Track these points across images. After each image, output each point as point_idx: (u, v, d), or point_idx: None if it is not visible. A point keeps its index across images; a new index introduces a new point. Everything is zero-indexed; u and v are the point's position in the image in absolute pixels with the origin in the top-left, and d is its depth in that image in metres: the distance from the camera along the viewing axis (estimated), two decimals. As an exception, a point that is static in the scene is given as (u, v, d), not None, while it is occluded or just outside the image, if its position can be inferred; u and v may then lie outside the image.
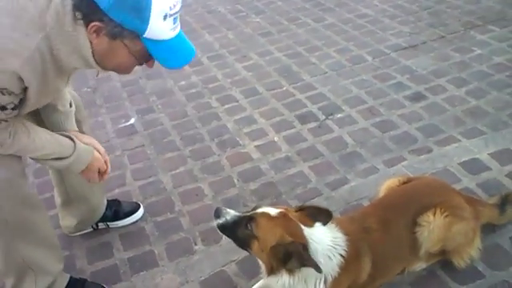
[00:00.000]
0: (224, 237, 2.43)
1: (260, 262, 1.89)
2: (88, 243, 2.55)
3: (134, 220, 2.63)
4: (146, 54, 1.59)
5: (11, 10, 1.52)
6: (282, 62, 4.06)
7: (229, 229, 1.84)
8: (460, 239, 2.07)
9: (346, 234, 1.90)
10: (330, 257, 1.82)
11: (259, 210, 1.84)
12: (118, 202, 2.64)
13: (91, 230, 2.58)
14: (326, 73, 3.85)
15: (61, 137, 1.87)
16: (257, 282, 2.15)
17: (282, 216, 1.80)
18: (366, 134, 3.14)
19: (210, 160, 3.03)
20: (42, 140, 1.79)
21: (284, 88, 3.72)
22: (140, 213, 2.65)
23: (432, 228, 2.01)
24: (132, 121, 3.48)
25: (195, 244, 2.49)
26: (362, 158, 2.94)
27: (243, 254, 2.31)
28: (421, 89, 3.52)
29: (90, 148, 1.98)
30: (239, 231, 1.82)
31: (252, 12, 5.05)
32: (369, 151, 2.98)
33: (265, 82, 3.80)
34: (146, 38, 1.51)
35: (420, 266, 2.18)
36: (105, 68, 1.68)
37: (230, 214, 1.84)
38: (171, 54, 1.60)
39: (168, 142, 3.24)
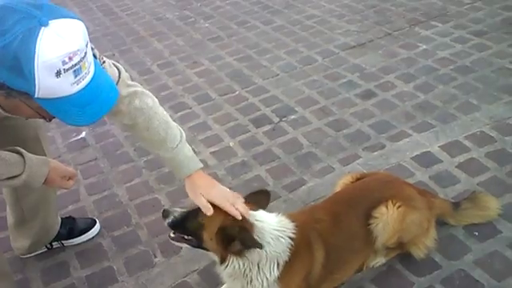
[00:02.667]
0: (184, 247, 2.44)
1: (213, 255, 1.89)
2: (42, 264, 2.47)
3: (90, 237, 2.56)
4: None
5: None
6: (234, 67, 4.06)
7: (179, 225, 1.86)
8: (415, 229, 2.11)
9: (294, 222, 1.92)
10: (278, 238, 1.85)
11: None
12: (73, 218, 2.56)
13: (45, 250, 2.50)
14: (278, 75, 3.87)
15: (8, 154, 1.72)
16: (219, 290, 2.13)
17: None
18: (320, 133, 3.17)
19: (166, 170, 2.97)
20: None
21: (237, 92, 3.71)
22: (96, 229, 2.59)
23: (386, 220, 2.04)
24: (83, 134, 3.39)
25: (155, 256, 2.44)
26: (317, 158, 2.96)
27: (204, 263, 2.31)
28: (371, 86, 3.59)
29: (43, 159, 1.85)
30: (189, 224, 1.85)
31: (200, 17, 5.02)
32: (324, 151, 3.01)
33: (217, 88, 3.79)
34: (39, 98, 1.26)
35: (379, 261, 2.22)
36: (20, 116, 1.51)
37: (177, 211, 1.88)
38: (77, 110, 1.33)
39: (121, 153, 3.17)
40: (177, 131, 1.94)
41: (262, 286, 1.86)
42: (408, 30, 4.31)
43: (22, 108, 1.38)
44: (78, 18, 1.30)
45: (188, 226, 1.85)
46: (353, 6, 4.88)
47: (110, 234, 2.59)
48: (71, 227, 2.52)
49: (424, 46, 4.01)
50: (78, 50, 1.25)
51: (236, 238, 1.75)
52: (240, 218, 1.78)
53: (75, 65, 1.25)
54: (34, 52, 1.19)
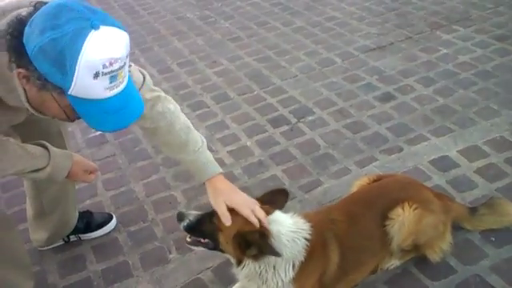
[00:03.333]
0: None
1: (229, 257, 1.91)
2: (59, 257, 2.50)
3: (107, 231, 2.59)
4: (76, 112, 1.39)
5: None
6: (252, 67, 4.07)
7: (195, 228, 1.87)
8: (430, 232, 2.10)
9: (310, 222, 1.93)
10: (294, 240, 1.85)
11: None
12: (90, 213, 2.60)
13: (62, 243, 2.53)
14: (296, 76, 3.87)
15: (33, 148, 1.78)
16: (233, 288, 2.14)
17: None
18: (338, 135, 3.16)
19: (183, 167, 2.99)
20: (12, 157, 1.70)
21: (255, 92, 3.72)
22: (112, 224, 2.62)
23: (402, 221, 2.04)
24: (102, 130, 3.43)
25: (170, 252, 2.46)
26: (334, 159, 2.96)
27: (218, 260, 2.31)
28: (390, 89, 3.57)
29: (67, 152, 1.91)
30: (204, 227, 1.86)
31: (221, 17, 5.05)
32: (341, 152, 3.00)
33: (236, 87, 3.80)
34: (71, 96, 1.31)
35: (394, 263, 2.21)
36: (44, 114, 1.53)
37: (192, 214, 1.89)
38: (103, 116, 1.37)
39: (139, 150, 3.21)
40: (198, 136, 1.99)
41: (277, 286, 1.87)
42: (429, 33, 4.28)
43: (49, 104, 1.41)
44: (125, 30, 1.35)
45: (204, 229, 1.87)
46: (373, 8, 4.86)
47: (126, 230, 2.62)
48: (88, 221, 2.55)
49: (445, 50, 3.97)
50: (119, 59, 1.29)
51: (253, 243, 1.76)
52: (258, 225, 1.78)
53: (113, 71, 1.29)
54: (80, 50, 1.23)
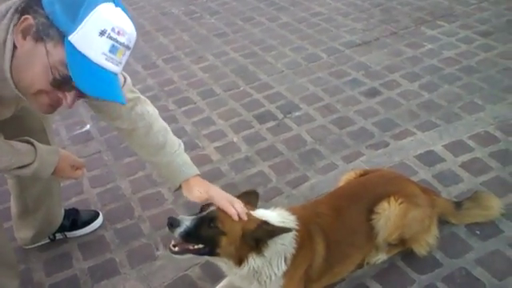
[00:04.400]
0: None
1: (221, 261, 1.86)
2: (45, 255, 2.48)
3: (93, 229, 2.58)
4: (64, 75, 1.35)
5: None
6: (239, 63, 4.06)
7: (192, 234, 1.73)
8: (416, 226, 2.12)
9: (295, 215, 1.94)
10: None
11: (212, 208, 1.81)
12: (76, 210, 2.57)
13: (48, 241, 2.51)
14: (283, 72, 3.87)
15: (19, 144, 1.75)
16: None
17: None
18: (324, 130, 3.17)
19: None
20: None
21: (241, 88, 3.71)
22: (99, 221, 2.60)
23: (388, 215, 2.05)
24: (87, 127, 3.40)
25: (157, 249, 2.45)
26: (321, 154, 2.96)
27: (206, 256, 2.30)
28: (376, 84, 3.59)
29: (53, 148, 1.89)
30: (204, 233, 1.75)
31: (206, 13, 5.02)
32: (327, 148, 3.01)
33: (222, 83, 3.79)
34: (69, 42, 1.29)
35: (381, 258, 2.22)
36: (21, 89, 1.43)
37: (187, 219, 1.75)
38: (90, 77, 1.34)
39: (125, 147, 3.17)
40: (175, 139, 1.97)
41: (270, 280, 1.87)
42: (414, 29, 4.30)
43: (36, 61, 1.35)
44: (136, 31, 1.42)
45: (203, 234, 1.75)
46: (358, 4, 4.88)
47: (113, 227, 2.60)
48: (74, 219, 2.53)
49: (429, 46, 4.00)
50: (128, 36, 1.35)
51: (263, 237, 1.77)
52: (236, 218, 1.76)
53: (118, 42, 1.33)
54: (97, 5, 1.29)
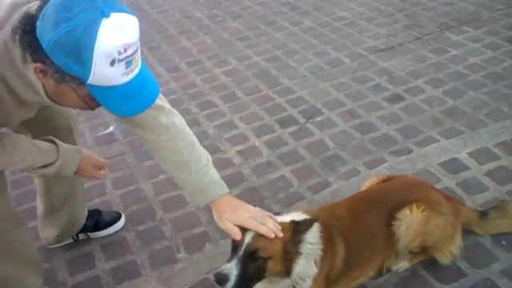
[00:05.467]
0: (207, 243, 2.46)
1: (273, 277, 1.79)
2: (69, 255, 2.51)
3: (115, 230, 2.60)
4: (97, 102, 1.42)
5: None
6: (261, 66, 4.06)
7: (244, 278, 1.65)
8: (439, 234, 2.09)
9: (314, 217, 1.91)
10: (309, 236, 1.83)
11: (247, 238, 1.72)
12: (99, 211, 2.60)
13: (71, 241, 2.54)
14: (305, 76, 3.86)
15: (42, 143, 1.79)
16: None
17: None
18: (346, 136, 3.15)
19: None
20: (22, 152, 1.71)
21: (263, 92, 3.71)
22: (121, 222, 2.62)
23: (409, 222, 2.03)
24: (111, 129, 3.44)
25: (178, 252, 2.46)
26: (342, 160, 2.95)
27: (227, 260, 2.31)
28: (399, 90, 3.56)
29: (75, 147, 1.91)
30: (251, 270, 1.68)
31: (229, 17, 5.04)
32: (349, 153, 2.99)
33: (244, 87, 3.80)
34: (90, 85, 1.33)
35: (403, 266, 2.20)
36: (63, 105, 1.56)
37: (231, 267, 1.65)
38: (123, 101, 1.40)
39: (148, 149, 3.20)
40: (203, 153, 1.87)
41: (306, 283, 1.85)
42: (438, 34, 4.26)
43: (68, 95, 1.44)
44: (134, 14, 1.37)
45: (251, 271, 1.68)
46: (383, 9, 4.85)
47: (135, 229, 2.62)
48: (97, 220, 2.55)
49: (454, 52, 3.95)
50: (133, 43, 1.32)
51: (300, 238, 1.76)
52: (273, 235, 1.70)
53: (128, 56, 1.32)
54: (95, 40, 1.26)
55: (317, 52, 4.19)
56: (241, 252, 1.69)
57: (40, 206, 2.38)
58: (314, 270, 1.85)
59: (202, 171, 1.83)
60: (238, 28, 4.79)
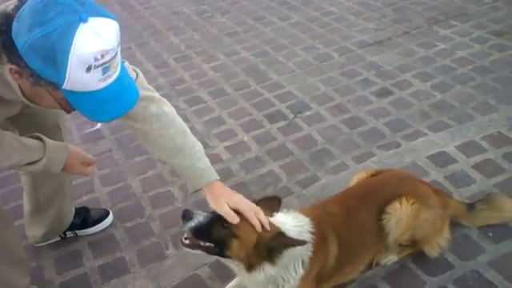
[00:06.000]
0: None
1: (232, 263, 1.84)
2: (56, 253, 2.49)
3: (103, 227, 2.58)
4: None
5: None
6: (249, 62, 4.05)
7: (203, 231, 1.71)
8: (428, 227, 2.10)
9: (308, 216, 1.92)
10: (301, 234, 1.83)
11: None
12: (87, 209, 2.58)
13: (59, 239, 2.52)
14: (294, 71, 3.86)
15: (29, 140, 1.77)
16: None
17: None
18: (335, 130, 3.15)
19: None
20: (7, 150, 1.68)
21: (252, 87, 3.70)
22: (109, 220, 2.61)
23: (399, 216, 2.03)
24: (98, 126, 3.41)
25: (167, 248, 2.45)
26: (331, 154, 2.95)
27: (216, 256, 2.30)
28: (387, 84, 3.56)
29: (62, 144, 1.89)
30: (215, 231, 1.72)
31: (217, 12, 5.02)
32: (338, 148, 2.99)
33: (232, 82, 3.79)
34: (65, 90, 1.30)
35: (391, 259, 2.21)
36: (40, 106, 1.54)
37: (202, 214, 1.73)
38: (99, 106, 1.37)
39: (136, 145, 3.18)
40: (195, 141, 1.90)
41: (289, 283, 1.85)
42: (426, 28, 4.27)
43: (44, 97, 1.42)
44: (114, 19, 1.33)
45: (214, 233, 1.72)
46: (371, 3, 4.85)
47: (123, 225, 2.61)
48: (85, 217, 2.54)
49: (442, 46, 3.97)
50: (111, 50, 1.29)
51: (276, 248, 1.73)
52: (260, 229, 1.72)
53: (105, 63, 1.29)
54: (71, 45, 1.22)
55: (305, 47, 4.18)
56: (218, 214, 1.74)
57: (27, 204, 2.36)
58: (300, 271, 1.85)
59: (196, 156, 1.86)
60: (226, 23, 4.78)
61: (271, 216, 1.85)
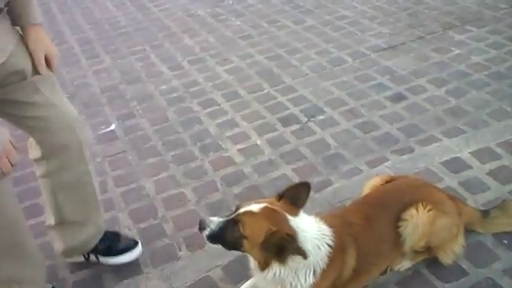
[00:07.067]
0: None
1: (251, 259, 1.90)
2: (70, 252, 2.50)
3: (129, 260, 2.38)
4: None
5: None
6: (263, 65, 4.06)
7: (217, 237, 1.80)
8: (444, 234, 2.08)
9: (331, 227, 1.91)
10: (318, 246, 1.83)
11: (242, 210, 1.82)
12: (117, 235, 2.43)
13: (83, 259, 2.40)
14: (307, 75, 3.86)
15: None
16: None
17: (266, 210, 1.80)
18: (349, 135, 3.14)
19: (193, 165, 3.00)
20: None
21: (265, 91, 3.71)
22: (136, 251, 2.40)
23: (416, 223, 2.02)
24: (112, 127, 3.44)
25: (179, 250, 2.46)
26: (344, 159, 2.94)
27: (228, 258, 2.31)
28: (401, 89, 3.55)
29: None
30: (227, 236, 1.79)
31: (232, 15, 5.04)
32: (351, 152, 2.99)
33: (246, 85, 3.80)
34: None
35: (405, 265, 2.19)
36: None
37: (214, 222, 1.80)
38: None
39: (149, 147, 3.21)
40: None
41: None
42: (441, 33, 4.25)
43: None
44: None
45: (227, 237, 1.80)
46: (385, 8, 4.84)
47: (136, 226, 2.62)
48: (110, 244, 2.36)
49: (457, 51, 3.94)
50: None
51: (284, 247, 1.74)
52: (44, 70, 1.90)
53: None
54: None
55: (319, 51, 4.18)
56: (229, 217, 1.81)
57: (50, 216, 2.25)
58: (310, 280, 1.84)
59: None
60: (240, 26, 4.79)
61: (296, 214, 1.83)
